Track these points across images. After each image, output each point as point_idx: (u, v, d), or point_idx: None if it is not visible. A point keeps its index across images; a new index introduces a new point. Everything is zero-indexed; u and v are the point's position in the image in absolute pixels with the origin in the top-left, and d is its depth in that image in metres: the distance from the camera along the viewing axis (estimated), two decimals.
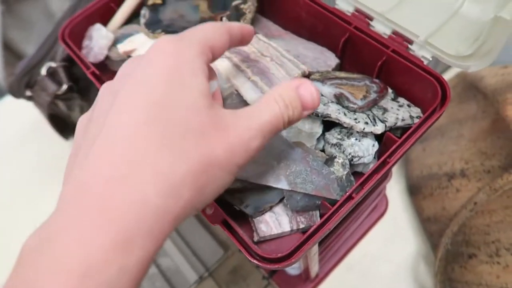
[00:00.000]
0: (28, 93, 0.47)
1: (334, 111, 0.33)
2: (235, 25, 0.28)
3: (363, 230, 0.55)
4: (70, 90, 0.47)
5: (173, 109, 0.21)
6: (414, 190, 0.55)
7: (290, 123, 0.26)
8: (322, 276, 0.52)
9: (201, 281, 0.54)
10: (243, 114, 0.24)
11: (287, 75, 0.35)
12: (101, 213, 0.18)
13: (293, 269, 0.50)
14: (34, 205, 0.60)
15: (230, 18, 0.39)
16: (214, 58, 0.26)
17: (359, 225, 0.54)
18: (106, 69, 0.43)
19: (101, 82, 0.39)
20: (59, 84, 0.46)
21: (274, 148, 0.32)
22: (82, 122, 0.25)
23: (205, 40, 0.25)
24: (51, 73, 0.46)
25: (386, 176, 0.43)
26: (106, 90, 0.25)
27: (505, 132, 0.44)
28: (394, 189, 0.58)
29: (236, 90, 0.35)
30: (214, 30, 0.26)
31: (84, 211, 0.18)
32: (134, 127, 0.20)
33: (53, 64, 0.45)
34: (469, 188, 0.46)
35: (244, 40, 0.30)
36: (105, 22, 0.43)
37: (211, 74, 0.28)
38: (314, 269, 0.47)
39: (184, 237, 0.58)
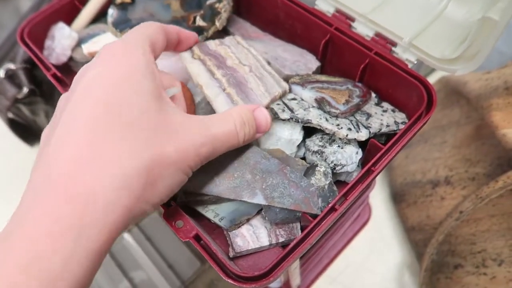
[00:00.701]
0: None
1: (315, 117, 0.31)
2: (172, 27, 0.29)
3: (346, 240, 0.53)
4: (32, 93, 0.43)
5: (124, 109, 0.22)
6: (397, 198, 0.53)
7: (245, 141, 0.27)
8: None
9: None
10: (198, 120, 0.25)
11: (266, 93, 0.32)
12: (52, 206, 0.19)
13: (273, 282, 0.47)
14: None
15: (204, 18, 0.36)
16: (155, 58, 0.27)
17: (342, 235, 0.51)
18: (70, 71, 0.40)
19: (64, 85, 0.36)
20: (19, 87, 0.42)
21: (248, 159, 0.30)
22: (45, 132, 0.25)
23: (149, 40, 0.26)
24: (10, 76, 0.42)
25: (370, 185, 0.41)
26: (63, 97, 0.26)
27: (489, 138, 0.43)
28: (378, 197, 0.56)
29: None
30: (154, 29, 0.27)
31: (37, 205, 0.20)
32: (86, 126, 0.21)
33: (12, 66, 0.42)
34: (454, 196, 0.45)
35: (182, 45, 0.32)
36: (69, 21, 0.40)
37: (168, 79, 0.28)
38: (296, 282, 0.44)
39: (158, 248, 0.55)
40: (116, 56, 0.23)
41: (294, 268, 0.37)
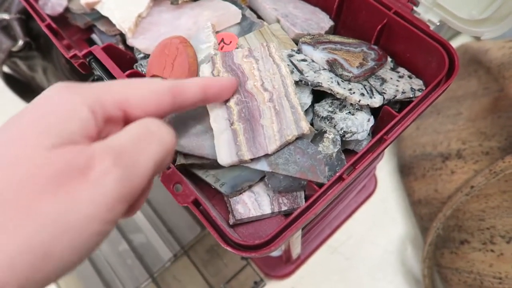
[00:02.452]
0: None
1: (326, 80, 0.29)
2: (192, 84, 0.23)
3: (350, 210, 0.52)
4: (28, 47, 0.41)
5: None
6: (405, 171, 0.51)
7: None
8: (303, 258, 0.49)
9: (175, 260, 0.51)
10: None
11: (277, 134, 0.26)
12: None
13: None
14: None
15: None
16: (128, 115, 0.20)
17: (346, 206, 0.50)
18: (66, 23, 0.37)
19: (59, 37, 0.34)
20: (14, 39, 0.40)
21: None
22: None
23: (109, 94, 0.19)
24: (4, 27, 0.40)
25: (379, 155, 0.39)
26: None
27: (507, 111, 0.41)
28: (384, 169, 0.54)
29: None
30: (138, 87, 0.20)
31: None
32: None
33: (6, 16, 0.39)
34: (465, 171, 0.43)
35: (214, 99, 0.26)
36: None
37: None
38: (296, 251, 0.44)
39: (158, 212, 0.54)
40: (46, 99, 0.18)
41: (296, 238, 0.36)
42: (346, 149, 0.32)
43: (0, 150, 0.17)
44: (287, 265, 0.49)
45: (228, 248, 0.25)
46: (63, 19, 0.37)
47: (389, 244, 0.50)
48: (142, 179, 0.18)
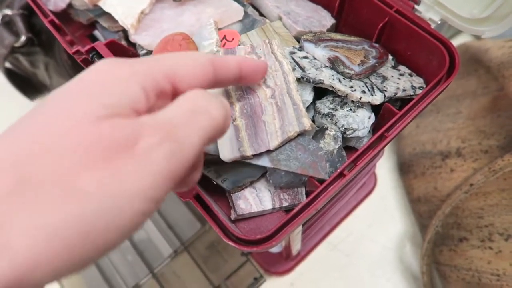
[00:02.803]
0: None
1: (327, 77, 0.29)
2: (228, 60, 0.22)
3: (349, 208, 0.52)
4: (31, 43, 0.41)
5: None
6: (405, 168, 0.52)
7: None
8: (303, 255, 0.49)
9: (176, 256, 0.51)
10: None
11: (279, 131, 0.27)
12: None
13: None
14: None
15: None
16: (176, 88, 0.20)
17: (346, 203, 0.51)
18: (69, 19, 0.37)
19: (62, 33, 0.34)
20: (17, 35, 0.40)
21: None
22: None
23: (163, 68, 0.19)
24: (7, 22, 0.40)
25: (380, 152, 0.40)
26: None
27: (506, 110, 0.41)
28: (384, 167, 0.55)
29: None
30: (185, 59, 0.20)
31: None
32: None
33: (9, 12, 0.40)
34: (464, 169, 0.43)
35: (248, 78, 0.24)
36: None
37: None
38: (296, 247, 0.44)
39: (159, 208, 0.55)
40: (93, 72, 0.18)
41: (296, 233, 0.37)
42: (347, 146, 0.32)
43: (45, 119, 0.16)
44: (287, 261, 0.49)
45: (230, 243, 0.25)
46: (65, 15, 0.37)
47: (388, 241, 0.50)
48: (190, 156, 0.17)
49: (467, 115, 0.46)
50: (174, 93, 0.20)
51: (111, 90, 0.17)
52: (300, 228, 0.35)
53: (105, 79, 0.17)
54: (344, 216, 0.52)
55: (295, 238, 0.39)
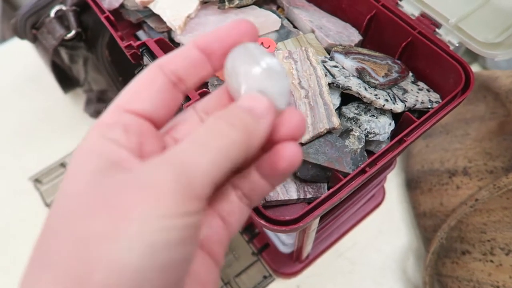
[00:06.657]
0: (32, 34, 0.45)
1: (355, 84, 0.33)
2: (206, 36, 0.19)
3: (358, 218, 0.54)
4: (78, 37, 0.45)
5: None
6: (412, 184, 0.54)
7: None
8: (311, 259, 0.52)
9: None
10: None
11: (311, 127, 0.29)
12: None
13: (286, 246, 0.49)
14: (19, 156, 0.59)
15: None
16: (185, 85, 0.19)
17: (354, 213, 0.53)
18: (120, 18, 0.41)
19: (116, 29, 0.37)
20: (67, 29, 0.44)
21: None
22: None
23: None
24: (60, 16, 0.44)
25: (394, 160, 0.43)
26: None
27: None
28: (393, 182, 0.57)
29: None
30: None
31: None
32: None
33: (63, 7, 0.43)
34: (470, 186, 0.46)
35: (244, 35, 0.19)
36: None
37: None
38: (308, 248, 0.46)
39: None
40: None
41: (312, 230, 0.39)
42: (367, 150, 0.35)
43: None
44: (295, 264, 0.51)
45: (261, 222, 0.28)
46: (116, 13, 0.41)
47: (392, 252, 0.53)
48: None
49: (475, 137, 0.49)
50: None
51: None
52: (316, 223, 0.38)
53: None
54: (352, 225, 0.54)
55: (310, 235, 0.41)
